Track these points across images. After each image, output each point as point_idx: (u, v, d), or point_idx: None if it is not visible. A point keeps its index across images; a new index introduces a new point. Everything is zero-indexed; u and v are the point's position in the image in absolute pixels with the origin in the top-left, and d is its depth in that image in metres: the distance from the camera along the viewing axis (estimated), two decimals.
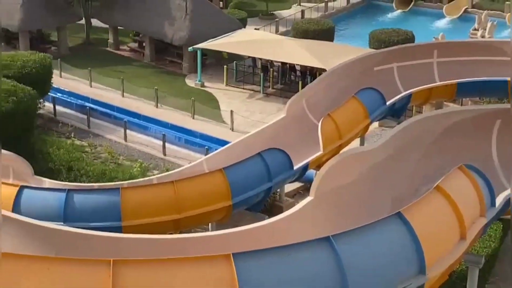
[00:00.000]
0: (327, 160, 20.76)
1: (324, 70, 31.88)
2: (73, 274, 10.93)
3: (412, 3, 54.65)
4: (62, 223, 18.50)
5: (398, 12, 54.83)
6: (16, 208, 19.63)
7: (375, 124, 29.76)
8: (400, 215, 13.12)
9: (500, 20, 47.07)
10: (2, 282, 10.82)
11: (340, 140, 24.58)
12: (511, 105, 20.49)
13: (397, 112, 27.95)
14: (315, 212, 16.26)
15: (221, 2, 51.46)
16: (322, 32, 43.18)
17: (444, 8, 53.68)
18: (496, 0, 54.09)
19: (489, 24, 41.93)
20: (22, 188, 20.41)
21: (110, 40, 46.19)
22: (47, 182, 22.13)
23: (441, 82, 27.58)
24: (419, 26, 48.38)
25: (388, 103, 26.38)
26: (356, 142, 26.90)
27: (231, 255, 11.39)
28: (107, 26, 46.54)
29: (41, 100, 32.54)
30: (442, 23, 52.14)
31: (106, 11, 46.03)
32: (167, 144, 31.05)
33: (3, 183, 20.22)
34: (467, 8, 53.23)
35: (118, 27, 45.94)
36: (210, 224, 22.69)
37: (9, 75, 31.15)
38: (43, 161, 26.98)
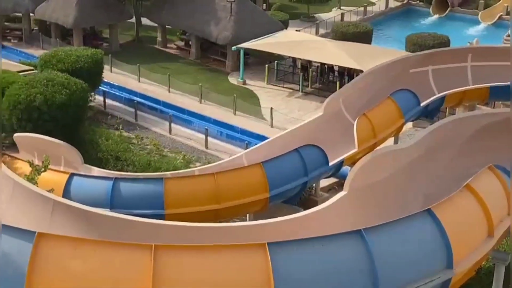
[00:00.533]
0: (361, 157, 20.67)
1: (361, 71, 31.75)
2: (116, 257, 11.08)
3: (449, 9, 54.04)
4: (108, 209, 18.74)
5: (435, 17, 54.29)
6: (66, 194, 19.94)
7: (409, 124, 29.56)
8: (430, 211, 13.05)
9: None
10: (53, 262, 11.02)
11: (375, 138, 24.46)
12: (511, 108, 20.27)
13: (431, 113, 27.71)
14: (348, 206, 16.21)
15: (264, 4, 51.46)
16: (361, 35, 42.95)
17: (479, 15, 52.98)
18: None
19: None
20: (72, 175, 20.72)
21: (159, 38, 46.52)
22: (96, 171, 22.40)
23: (474, 86, 27.26)
24: (455, 31, 47.83)
25: (422, 104, 26.16)
26: (390, 141, 26.72)
27: (266, 244, 11.44)
28: (156, 24, 46.87)
29: (92, 93, 32.84)
30: (477, 29, 51.49)
31: (155, 11, 46.37)
32: (209, 138, 31.20)
33: (54, 170, 20.58)
34: (502, 15, 52.46)
35: (166, 26, 46.24)
36: (248, 215, 22.74)
37: (63, 68, 31.55)
38: (92, 150, 27.25)
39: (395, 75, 26.87)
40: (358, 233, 12.15)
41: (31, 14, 46.06)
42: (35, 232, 11.05)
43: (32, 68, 33.82)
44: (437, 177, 17.62)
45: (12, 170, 16.67)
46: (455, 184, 14.71)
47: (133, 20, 47.42)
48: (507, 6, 53.06)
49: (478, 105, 31.25)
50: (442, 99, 26.95)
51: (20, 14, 46.41)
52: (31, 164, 19.16)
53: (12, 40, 46.16)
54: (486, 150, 17.96)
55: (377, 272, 11.76)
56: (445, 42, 40.84)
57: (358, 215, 16.00)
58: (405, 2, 57.17)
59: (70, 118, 27.65)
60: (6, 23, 46.91)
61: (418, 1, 56.71)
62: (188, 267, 11.20)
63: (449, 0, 54.30)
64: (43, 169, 18.79)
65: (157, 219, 16.57)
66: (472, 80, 27.55)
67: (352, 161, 22.91)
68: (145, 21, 47.63)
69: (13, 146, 24.55)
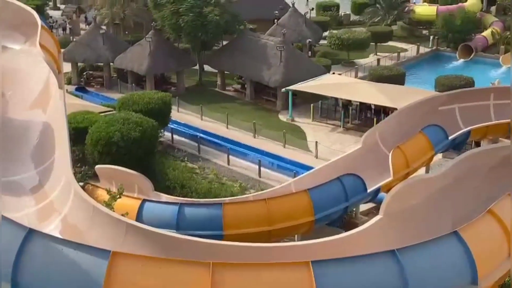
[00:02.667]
0: (396, 184, 20.38)
1: (395, 109, 31.38)
2: (179, 273, 11.11)
3: (473, 54, 53.24)
4: (174, 231, 18.83)
5: (461, 61, 53.52)
6: (138, 217, 20.14)
7: (439, 155, 29.05)
8: (457, 233, 12.76)
9: None
10: (125, 277, 11.09)
11: (408, 168, 24.15)
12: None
13: (458, 146, 27.21)
14: (383, 229, 15.98)
15: (309, 52, 51.53)
16: (395, 77, 42.57)
17: (500, 58, 52.01)
18: None
19: None
20: (144, 201, 20.94)
21: (218, 82, 46.94)
22: (164, 197, 22.59)
23: (496, 121, 26.71)
24: (479, 73, 46.98)
25: (450, 138, 25.75)
26: (422, 170, 26.31)
27: (310, 262, 11.33)
28: (216, 70, 47.37)
29: (162, 130, 33.18)
30: (499, 71, 50.47)
31: (215, 59, 46.94)
32: (262, 168, 31.17)
33: (129, 196, 20.82)
34: None
35: (225, 72, 46.69)
36: (296, 235, 22.58)
37: (137, 109, 31.95)
38: (161, 179, 27.45)
39: (425, 112, 26.52)
40: (392, 252, 11.95)
41: (111, 64, 47.09)
42: (110, 251, 11.16)
43: (111, 109, 34.40)
44: (463, 203, 17.23)
45: (93, 197, 16.91)
46: (479, 209, 14.37)
47: (197, 67, 48.04)
48: None
49: (500, 138, 30.47)
50: (468, 133, 26.47)
51: (102, 64, 47.52)
52: (108, 191, 19.45)
53: (95, 86, 47.22)
54: (506, 179, 17.49)
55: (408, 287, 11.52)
56: (470, 83, 40.16)
57: (392, 237, 15.74)
58: (434, 48, 56.58)
59: (143, 152, 27.92)
60: (90, 72, 48.05)
61: (445, 47, 56.05)
62: (242, 282, 11.15)
63: (473, 46, 53.53)
64: (118, 196, 19.03)
65: (216, 239, 16.60)
66: (495, 116, 27.01)
67: (388, 188, 22.59)
68: (207, 67, 48.19)
69: (95, 176, 24.96)
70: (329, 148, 33.72)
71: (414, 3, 66.03)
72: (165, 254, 12.37)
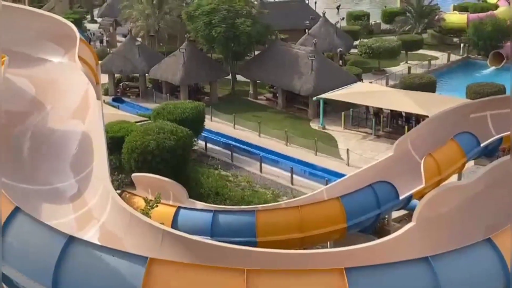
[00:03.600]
0: (428, 191, 20.14)
1: (426, 116, 31.05)
2: (214, 279, 11.15)
3: (504, 61, 52.43)
4: (209, 238, 18.88)
5: (492, 68, 52.75)
6: (174, 224, 20.24)
7: (471, 162, 28.59)
8: (490, 240, 12.58)
9: None
10: (162, 283, 11.16)
11: (440, 175, 23.87)
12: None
13: (490, 152, 26.82)
14: (416, 236, 15.79)
15: (340, 61, 51.36)
16: (425, 85, 42.13)
17: None
18: None
19: None
20: (179, 208, 21.05)
21: (250, 91, 47.07)
22: (199, 204, 22.68)
23: None
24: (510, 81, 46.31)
25: (482, 145, 25.40)
26: (454, 177, 25.95)
27: (344, 269, 11.25)
28: (248, 80, 47.51)
29: (196, 139, 33.36)
30: None
31: (248, 68, 47.09)
32: (294, 176, 31.10)
33: (164, 204, 20.95)
34: None
35: (257, 81, 46.80)
36: (328, 242, 22.45)
37: (171, 119, 32.21)
38: (196, 187, 27.56)
39: (457, 119, 26.19)
40: (425, 260, 11.81)
41: (146, 74, 47.59)
42: (147, 257, 11.25)
43: (147, 119, 34.73)
44: (496, 210, 16.92)
45: (130, 205, 17.07)
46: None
47: (230, 77, 48.25)
48: None
49: None
50: (500, 140, 26.06)
51: (138, 75, 48.06)
52: (145, 199, 19.61)
53: (131, 96, 47.73)
54: None
55: None
56: (502, 90, 39.51)
57: (425, 244, 15.54)
58: (464, 56, 55.91)
59: (178, 160, 28.09)
60: (126, 82, 48.60)
61: (476, 55, 55.33)
62: None
63: (504, 53, 52.73)
64: (155, 203, 19.17)
65: (250, 246, 16.59)
66: None
67: (420, 195, 22.34)
68: (239, 77, 48.37)
69: (131, 184, 25.18)
70: (360, 155, 33.50)
71: (445, 11, 65.31)
72: (201, 261, 12.41)
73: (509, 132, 25.90)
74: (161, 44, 55.26)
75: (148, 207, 18.94)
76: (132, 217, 14.15)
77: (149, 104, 44.33)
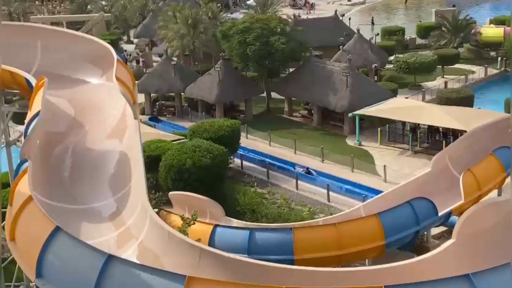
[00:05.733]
0: (468, 207, 19.81)
1: (464, 131, 30.65)
2: None
3: None
4: (246, 255, 18.87)
5: None
6: (211, 242, 20.32)
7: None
8: None
9: None
10: None
11: (480, 191, 23.52)
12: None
13: None
14: (456, 253, 15.52)
15: (375, 76, 51.09)
16: (463, 99, 41.62)
17: None
18: None
19: None
20: (216, 226, 21.14)
21: (285, 108, 47.06)
22: (235, 222, 22.73)
23: None
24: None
25: None
26: (494, 193, 25.48)
27: (383, 287, 11.11)
28: (283, 97, 47.57)
29: (232, 157, 33.44)
30: None
31: (282, 86, 47.17)
32: (331, 192, 30.92)
33: (201, 221, 21.04)
34: None
35: (292, 98, 46.83)
36: (366, 260, 22.22)
37: (207, 137, 32.40)
38: (232, 205, 27.60)
39: (496, 134, 25.81)
40: (467, 277, 11.61)
41: (182, 93, 48.04)
42: (185, 275, 11.28)
43: (183, 137, 35.02)
44: None
45: (167, 223, 17.18)
46: None
47: (264, 94, 48.39)
48: None
49: None
50: None
51: (173, 94, 48.55)
52: (182, 217, 19.74)
53: (167, 115, 48.18)
54: None
55: None
56: None
57: (465, 261, 15.25)
58: (502, 69, 55.08)
59: (214, 178, 28.24)
60: (162, 102, 49.13)
61: None
62: None
63: None
64: (192, 222, 19.28)
65: (287, 263, 16.52)
66: None
67: (460, 211, 22.04)
68: (274, 94, 48.46)
69: (168, 203, 25.37)
70: (397, 171, 33.16)
71: (481, 24, 64.55)
72: (239, 279, 12.41)
73: None
74: (196, 63, 55.81)
75: (185, 225, 19.06)
76: (170, 236, 14.23)
77: (185, 122, 44.66)
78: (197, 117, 44.59)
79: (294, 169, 34.53)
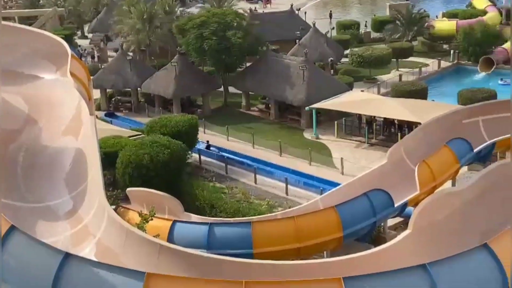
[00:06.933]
0: (423, 198, 20.19)
1: (419, 123, 31.19)
2: None
3: (494, 67, 52.76)
4: (205, 250, 18.84)
5: (482, 74, 53.07)
6: (170, 238, 20.18)
7: (465, 168, 28.69)
8: (487, 246, 12.60)
9: None
10: None
11: (434, 182, 23.95)
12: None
13: (483, 158, 26.93)
14: (413, 243, 15.80)
15: (331, 70, 51.53)
16: (417, 92, 42.30)
17: None
18: None
19: None
20: (174, 222, 21.00)
21: (243, 103, 47.07)
22: (194, 217, 22.65)
23: None
24: (500, 86, 46.68)
25: (475, 150, 25.53)
26: (448, 184, 26.03)
27: (342, 278, 11.24)
28: (240, 92, 47.58)
29: (190, 152, 33.32)
30: None
31: (239, 80, 47.17)
32: (289, 186, 31.10)
33: (160, 218, 20.90)
34: None
35: (249, 92, 46.87)
36: (325, 252, 22.43)
37: (165, 132, 32.19)
38: (191, 200, 27.51)
39: (449, 125, 26.32)
40: (423, 267, 11.82)
41: (138, 89, 47.55)
42: (145, 272, 11.20)
43: (140, 133, 34.69)
44: (492, 215, 16.97)
45: (125, 220, 17.03)
46: (507, 221, 14.15)
47: (222, 89, 48.31)
48: None
49: None
50: (493, 145, 26.21)
51: (130, 89, 48.02)
52: (140, 214, 19.57)
53: (123, 111, 47.63)
54: None
55: None
56: (493, 95, 39.77)
57: (422, 251, 15.54)
58: (455, 62, 56.20)
59: (172, 174, 28.11)
60: (118, 97, 48.54)
61: (466, 61, 55.64)
62: None
63: (494, 58, 53.06)
64: (150, 218, 19.13)
65: (247, 257, 16.56)
66: None
67: (415, 202, 22.44)
68: (231, 89, 48.42)
69: (126, 199, 25.13)
70: (354, 164, 33.56)
71: (436, 17, 65.69)
72: (198, 274, 12.39)
73: (502, 137, 26.04)
74: (152, 58, 55.33)
75: (143, 221, 18.90)
76: (128, 232, 14.11)
77: (142, 118, 44.25)
78: (154, 113, 44.23)
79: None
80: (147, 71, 47.96)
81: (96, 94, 44.04)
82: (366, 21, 70.35)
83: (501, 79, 49.13)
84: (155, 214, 19.61)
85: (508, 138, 26.18)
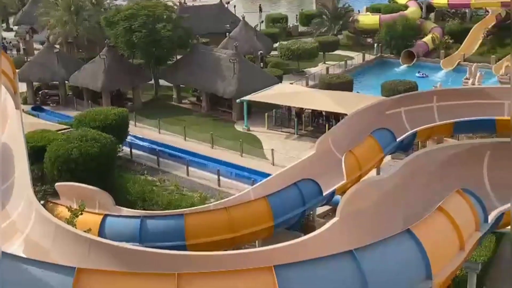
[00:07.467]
0: (350, 187, 20.61)
1: (345, 114, 31.77)
2: (145, 286, 10.97)
3: (415, 59, 54.36)
4: (138, 244, 18.61)
5: (404, 66, 54.57)
6: (101, 232, 19.81)
7: (388, 157, 29.42)
8: (410, 231, 12.98)
9: (487, 71, 46.46)
10: None
11: (360, 170, 24.46)
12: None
13: (406, 147, 27.72)
14: (341, 230, 16.13)
15: (261, 63, 51.75)
16: (343, 84, 43.08)
17: (441, 62, 53.25)
18: (483, 55, 53.50)
19: (478, 74, 41.42)
20: (105, 216, 20.63)
21: (174, 96, 46.68)
22: (126, 211, 22.33)
23: (440, 122, 27.33)
24: (418, 78, 48.22)
25: (398, 140, 26.21)
26: (373, 172, 26.67)
27: (273, 267, 11.34)
28: (171, 84, 47.12)
29: (120, 145, 32.81)
30: (440, 74, 51.66)
31: (170, 73, 46.72)
32: (221, 178, 31.10)
33: (90, 212, 20.49)
34: (460, 61, 52.72)
35: (180, 85, 46.50)
36: (257, 241, 22.58)
37: (94, 126, 31.55)
38: (122, 194, 27.10)
39: (374, 116, 26.97)
40: (350, 253, 12.07)
41: (66, 82, 46.35)
42: (75, 267, 10.96)
43: (68, 127, 33.85)
44: (414, 201, 17.56)
45: (55, 215, 16.60)
46: (429, 206, 14.64)
47: (152, 81, 47.73)
48: (464, 54, 53.38)
49: (445, 138, 31.18)
50: (414, 134, 26.99)
51: (57, 82, 46.73)
52: (69, 208, 19.12)
53: (51, 104, 46.32)
54: (454, 176, 17.93)
55: (368, 286, 11.64)
56: (414, 87, 40.90)
57: (349, 237, 15.90)
58: (378, 55, 57.54)
59: (102, 167, 27.59)
60: (45, 90, 47.14)
61: (389, 54, 57.06)
62: None
63: (415, 51, 54.65)
64: (80, 212, 18.72)
65: (180, 249, 16.46)
66: (438, 118, 27.64)
67: (342, 190, 22.85)
68: (162, 82, 47.90)
69: (55, 194, 24.50)
70: (285, 155, 33.87)
71: (359, 11, 66.98)
72: (130, 268, 12.22)
73: (422, 127, 26.90)
74: (80, 50, 54.00)
75: (73, 216, 18.47)
76: (57, 228, 13.77)
77: (70, 111, 43.12)
78: (83, 106, 43.23)
79: None
80: (75, 64, 46.77)
81: (22, 87, 42.72)
82: (297, 15, 70.98)
83: (419, 72, 50.81)
84: (84, 208, 19.19)
85: (427, 128, 27.15)
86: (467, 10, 62.78)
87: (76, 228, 15.57)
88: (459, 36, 56.22)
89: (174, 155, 35.26)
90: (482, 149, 19.26)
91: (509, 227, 17.73)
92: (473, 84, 40.42)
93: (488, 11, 60.85)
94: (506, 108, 26.70)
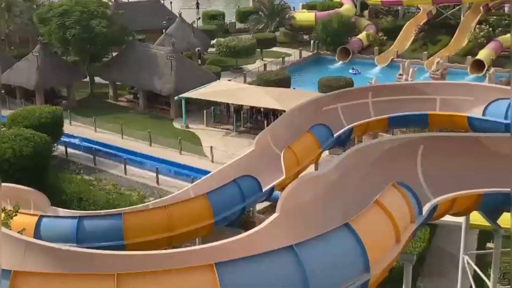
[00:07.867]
0: (289, 182, 20.74)
1: (284, 111, 32.04)
2: (84, 287, 10.74)
3: (350, 56, 55.31)
4: (75, 245, 18.23)
5: (340, 63, 55.43)
6: (36, 234, 19.32)
7: (326, 152, 29.91)
8: (348, 225, 13.15)
9: (419, 67, 47.76)
10: None
11: (299, 166, 24.71)
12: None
13: (343, 142, 28.16)
14: (281, 225, 16.20)
15: (199, 60, 51.52)
16: (281, 81, 43.44)
17: (375, 59, 54.39)
18: (416, 51, 54.95)
19: (411, 70, 42.52)
20: (41, 217, 20.12)
21: (110, 93, 45.97)
22: (62, 211, 21.83)
23: (376, 117, 27.88)
24: (355, 74, 49.14)
25: (335, 135, 26.61)
26: (311, 168, 26.98)
27: (214, 264, 11.30)
28: (107, 82, 46.33)
29: (55, 144, 32.12)
30: (374, 70, 52.77)
31: (106, 70, 45.93)
32: (160, 176, 30.85)
33: (25, 213, 19.90)
34: (393, 58, 53.98)
35: (116, 83, 45.78)
36: (197, 239, 22.48)
37: (28, 125, 30.81)
38: (58, 194, 26.58)
39: (311, 112, 27.25)
40: (290, 248, 12.15)
41: None
42: (11, 270, 10.63)
43: (1, 126, 32.80)
44: (352, 195, 17.80)
45: None
46: (366, 200, 14.89)
47: (87, 79, 46.79)
48: (397, 51, 54.66)
49: (380, 133, 31.87)
50: (351, 130, 27.46)
51: None
52: (3, 210, 18.49)
53: None
54: (389, 170, 18.27)
55: (308, 278, 11.77)
56: (350, 83, 41.66)
57: (290, 232, 15.97)
58: (315, 52, 58.22)
59: (37, 167, 26.99)
60: None
61: (325, 51, 57.81)
62: None
63: (350, 48, 55.59)
64: (14, 213, 18.15)
65: (119, 249, 16.19)
66: (374, 113, 28.17)
67: (282, 186, 22.99)
68: (97, 79, 47.05)
69: None
70: (224, 152, 33.88)
71: (294, 8, 67.55)
72: (68, 269, 11.93)
73: (358, 122, 27.39)
74: (12, 48, 52.36)
75: (7, 218, 17.88)
76: None
77: (2, 110, 41.79)
78: (16, 105, 42.00)
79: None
80: (7, 61, 45.30)
81: None
82: (235, 12, 70.96)
83: (352, 68, 51.79)
84: (19, 209, 18.60)
85: (363, 124, 27.67)
86: (399, 8, 64.28)
87: (10, 229, 15.07)
88: (392, 33, 57.52)
89: (111, 154, 34.69)
90: (415, 143, 19.69)
91: (442, 218, 18.26)
92: (406, 80, 41.41)
93: (420, 9, 62.48)
94: (438, 103, 27.51)
